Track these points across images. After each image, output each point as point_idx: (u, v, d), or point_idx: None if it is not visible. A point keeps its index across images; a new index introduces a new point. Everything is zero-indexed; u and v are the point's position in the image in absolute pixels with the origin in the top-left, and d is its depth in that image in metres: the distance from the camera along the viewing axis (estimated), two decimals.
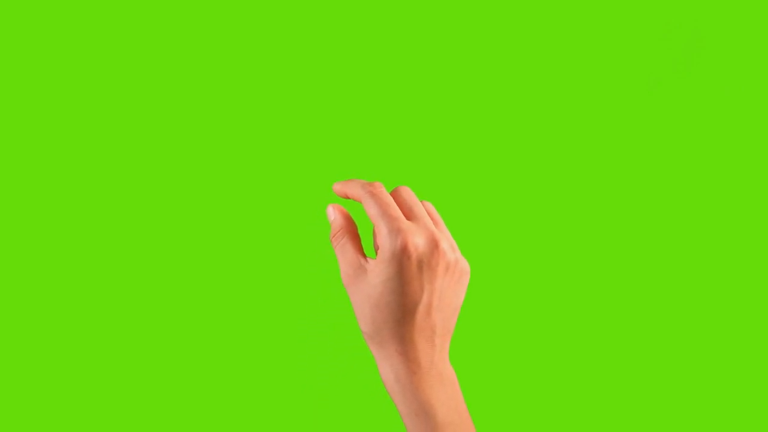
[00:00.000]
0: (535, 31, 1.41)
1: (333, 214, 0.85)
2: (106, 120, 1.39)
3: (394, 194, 0.84)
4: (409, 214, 0.82)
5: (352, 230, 0.83)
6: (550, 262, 1.40)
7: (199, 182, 1.39)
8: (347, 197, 0.84)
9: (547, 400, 1.38)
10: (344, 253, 0.82)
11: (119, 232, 1.38)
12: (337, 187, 0.84)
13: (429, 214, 0.84)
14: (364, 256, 0.82)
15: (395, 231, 0.79)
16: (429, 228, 0.81)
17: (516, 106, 1.41)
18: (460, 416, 0.81)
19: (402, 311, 0.79)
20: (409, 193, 0.83)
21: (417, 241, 0.79)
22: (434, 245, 0.80)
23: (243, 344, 1.38)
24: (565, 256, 1.40)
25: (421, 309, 0.80)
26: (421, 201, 0.84)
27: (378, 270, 0.79)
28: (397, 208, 0.81)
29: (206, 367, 1.37)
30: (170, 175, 1.39)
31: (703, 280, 1.41)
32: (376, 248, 0.83)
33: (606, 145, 1.41)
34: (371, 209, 0.81)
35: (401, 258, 0.79)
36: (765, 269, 1.40)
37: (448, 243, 0.81)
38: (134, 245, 1.38)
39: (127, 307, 1.37)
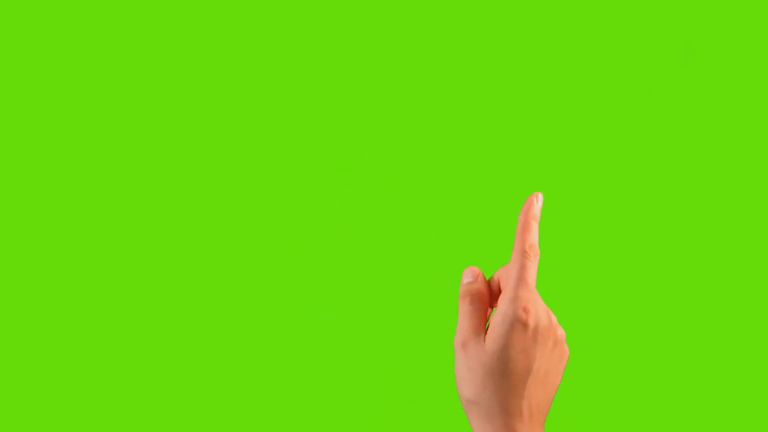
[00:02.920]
0: (535, 31, 1.42)
1: (473, 277, 0.83)
2: (105, 120, 1.40)
3: None
4: None
5: (485, 300, 0.82)
6: (550, 263, 1.40)
7: (197, 182, 1.39)
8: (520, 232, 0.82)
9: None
10: (470, 317, 0.81)
11: (121, 234, 1.39)
12: (526, 217, 0.82)
13: None
14: (486, 328, 0.81)
15: (524, 299, 0.79)
16: (543, 303, 0.81)
17: (516, 106, 1.41)
18: None
19: (514, 381, 0.79)
20: None
21: (537, 311, 0.80)
22: (548, 318, 0.80)
23: (242, 344, 1.38)
24: (565, 257, 1.40)
25: (531, 382, 0.79)
26: None
27: (495, 335, 0.79)
28: (534, 282, 0.81)
29: (206, 367, 1.37)
30: (170, 175, 1.39)
31: (703, 280, 1.40)
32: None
33: (606, 145, 1.41)
34: (516, 270, 0.80)
35: (522, 326, 0.79)
36: (765, 269, 1.40)
37: (556, 320, 0.82)
38: (134, 245, 1.39)
39: (127, 308, 1.38)
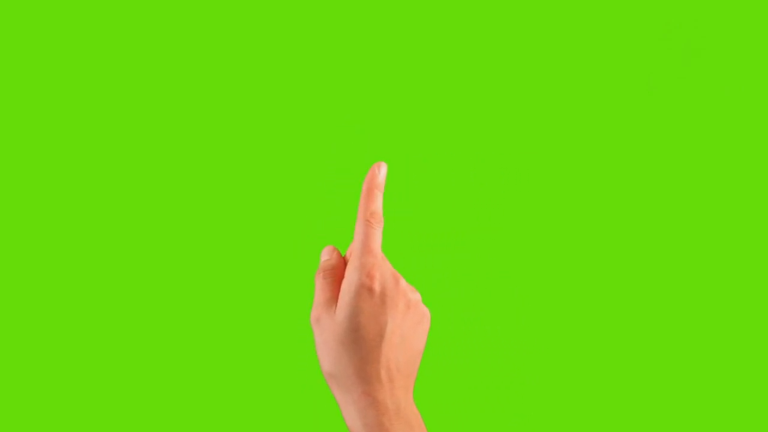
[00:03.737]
0: (535, 31, 1.42)
1: (328, 255, 0.84)
2: (105, 119, 1.40)
3: None
4: None
5: (339, 275, 0.82)
6: (549, 264, 1.40)
7: (196, 182, 1.40)
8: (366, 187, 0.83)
9: (544, 402, 1.38)
10: (322, 291, 0.81)
11: (122, 235, 1.39)
12: (369, 186, 0.83)
13: None
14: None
15: (368, 266, 0.79)
16: (391, 268, 0.81)
17: (515, 107, 1.42)
18: None
19: (367, 347, 0.78)
20: None
21: (383, 276, 0.80)
22: (396, 281, 0.80)
23: (241, 344, 1.38)
24: (565, 258, 1.40)
25: (386, 346, 0.78)
26: None
27: (343, 303, 0.79)
28: (380, 246, 0.81)
29: (206, 368, 1.38)
30: (169, 176, 1.40)
31: (703, 280, 1.40)
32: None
33: (606, 145, 1.41)
34: (359, 237, 0.81)
35: (368, 291, 0.79)
36: (765, 269, 1.40)
37: (407, 284, 0.82)
38: (134, 246, 1.39)
39: (127, 308, 1.38)
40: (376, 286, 0.79)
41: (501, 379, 1.38)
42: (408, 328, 0.80)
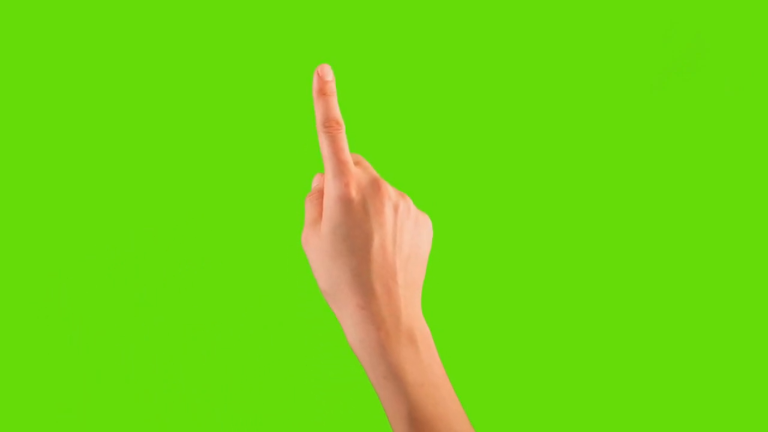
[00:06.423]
0: (536, 31, 1.42)
1: (318, 180, 0.81)
2: (105, 119, 1.40)
3: None
4: (355, 163, 0.79)
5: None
6: (550, 264, 1.40)
7: (195, 182, 1.40)
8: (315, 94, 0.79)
9: (545, 400, 1.38)
10: (310, 212, 0.78)
11: (119, 234, 1.39)
12: (315, 95, 0.79)
13: None
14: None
15: (340, 174, 0.76)
16: (372, 173, 0.78)
17: (515, 107, 1.42)
18: (434, 377, 0.74)
19: (356, 258, 0.74)
20: (357, 156, 0.80)
21: (360, 183, 0.76)
22: (377, 186, 0.76)
23: (240, 344, 1.38)
24: (566, 258, 1.40)
25: (375, 252, 0.75)
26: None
27: (326, 217, 0.76)
28: (348, 152, 0.77)
29: (206, 367, 1.37)
30: (168, 176, 1.40)
31: (703, 280, 1.40)
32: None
33: (607, 145, 1.41)
34: (324, 148, 0.77)
35: (345, 201, 0.75)
36: (765, 269, 1.39)
37: (393, 188, 0.78)
38: (133, 246, 1.39)
39: (121, 304, 1.38)
40: (353, 194, 0.75)
41: (501, 379, 1.38)
42: (402, 234, 0.76)
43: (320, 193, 0.79)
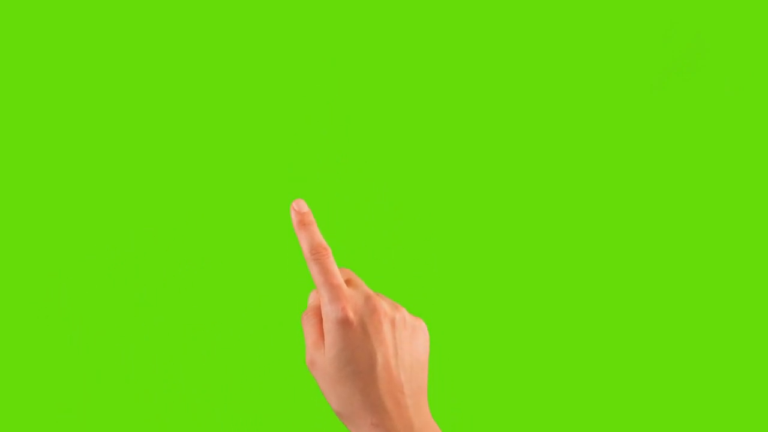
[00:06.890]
0: (535, 31, 1.42)
1: (314, 297, 0.82)
2: (105, 119, 1.40)
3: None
4: (347, 283, 0.81)
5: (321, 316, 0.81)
6: (549, 265, 1.40)
7: (195, 182, 1.40)
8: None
9: (545, 401, 1.38)
10: (310, 333, 0.80)
11: (118, 234, 1.39)
12: (296, 230, 0.82)
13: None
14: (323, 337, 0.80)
15: (335, 299, 0.78)
16: (366, 291, 0.80)
17: (515, 107, 1.42)
18: None
19: (363, 379, 0.77)
20: (345, 270, 0.83)
21: (356, 305, 0.78)
22: (372, 305, 0.79)
23: (240, 344, 1.38)
24: (567, 259, 1.40)
25: (380, 371, 0.78)
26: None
27: (328, 343, 0.78)
28: (339, 275, 0.80)
29: (205, 367, 1.38)
30: (166, 176, 1.40)
31: (703, 280, 1.40)
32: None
33: (607, 146, 1.41)
34: (315, 276, 0.80)
35: (344, 324, 0.77)
36: (765, 269, 1.40)
37: (387, 302, 0.80)
38: (133, 247, 1.39)
39: (120, 306, 1.38)
40: (351, 316, 0.78)
41: (501, 380, 1.38)
42: (402, 347, 0.79)
43: (315, 311, 0.81)
